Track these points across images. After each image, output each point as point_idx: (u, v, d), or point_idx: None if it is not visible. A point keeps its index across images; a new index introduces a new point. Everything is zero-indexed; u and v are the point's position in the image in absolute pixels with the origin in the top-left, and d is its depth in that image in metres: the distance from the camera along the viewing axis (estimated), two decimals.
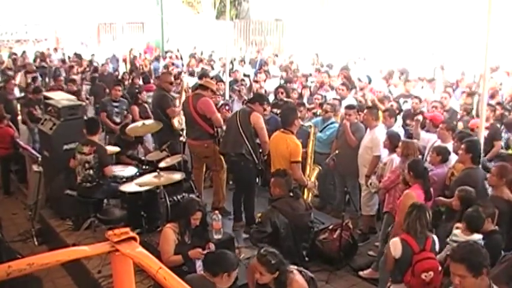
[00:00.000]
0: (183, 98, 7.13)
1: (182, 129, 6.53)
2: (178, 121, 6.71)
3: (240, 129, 5.63)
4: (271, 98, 8.72)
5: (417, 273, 3.62)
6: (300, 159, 5.18)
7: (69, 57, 16.17)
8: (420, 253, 3.69)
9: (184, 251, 3.98)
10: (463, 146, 4.94)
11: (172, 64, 13.98)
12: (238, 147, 5.62)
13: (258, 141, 5.73)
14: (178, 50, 18.21)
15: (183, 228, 4.14)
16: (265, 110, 6.40)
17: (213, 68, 13.42)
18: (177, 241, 4.09)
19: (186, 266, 4.01)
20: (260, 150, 5.75)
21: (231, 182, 6.81)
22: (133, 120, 7.76)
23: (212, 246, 4.12)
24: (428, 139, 5.97)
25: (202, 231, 4.34)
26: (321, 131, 6.66)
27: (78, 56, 15.75)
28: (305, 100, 8.47)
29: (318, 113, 6.81)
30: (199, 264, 4.05)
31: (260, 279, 3.37)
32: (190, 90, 7.56)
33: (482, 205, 3.96)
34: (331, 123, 6.77)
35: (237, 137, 5.65)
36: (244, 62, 14.90)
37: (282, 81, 10.76)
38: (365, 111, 6.33)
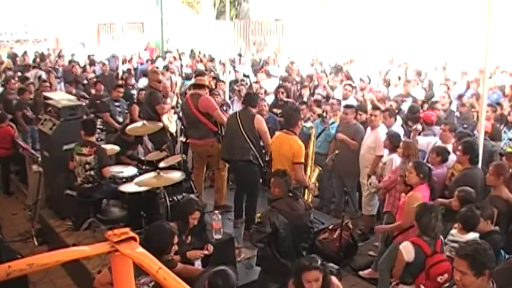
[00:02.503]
0: (174, 99, 7.18)
1: (181, 131, 6.56)
2: (168, 119, 6.72)
3: (245, 134, 5.63)
4: (271, 98, 8.74)
5: (432, 277, 3.57)
6: (302, 160, 5.18)
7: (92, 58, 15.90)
8: (433, 256, 3.65)
9: (183, 251, 3.98)
10: (460, 147, 4.96)
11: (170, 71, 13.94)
12: (246, 154, 5.64)
13: (261, 142, 5.73)
14: (177, 51, 18.22)
15: (182, 228, 4.14)
16: (263, 109, 6.46)
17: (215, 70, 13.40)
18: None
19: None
20: (264, 152, 5.76)
21: (230, 182, 6.82)
22: (132, 120, 7.78)
23: (211, 248, 4.12)
24: (427, 143, 5.96)
25: (200, 231, 4.34)
26: (323, 130, 6.67)
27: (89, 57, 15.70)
28: (304, 100, 8.47)
29: (325, 115, 6.80)
30: (197, 264, 4.05)
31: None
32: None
33: (480, 207, 3.96)
34: (332, 123, 6.79)
35: (242, 143, 5.64)
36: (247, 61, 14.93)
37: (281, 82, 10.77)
38: (370, 111, 6.36)
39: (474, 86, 9.53)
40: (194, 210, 4.15)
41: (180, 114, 7.53)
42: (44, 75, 12.09)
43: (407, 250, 3.71)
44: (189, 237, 4.19)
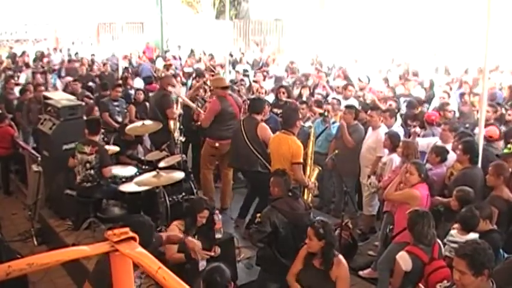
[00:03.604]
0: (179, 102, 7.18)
1: (181, 131, 6.53)
2: (174, 123, 6.71)
3: (250, 145, 5.64)
4: (271, 97, 8.74)
5: (431, 284, 3.55)
6: (301, 160, 5.19)
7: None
8: (431, 263, 3.64)
9: (188, 249, 3.99)
10: (460, 146, 4.96)
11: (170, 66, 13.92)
12: (253, 165, 5.66)
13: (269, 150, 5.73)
14: (179, 47, 18.20)
15: (189, 226, 4.14)
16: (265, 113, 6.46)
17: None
18: None
19: (188, 264, 4.03)
20: None
21: (232, 182, 6.84)
22: (130, 120, 7.79)
23: (218, 250, 4.10)
24: (427, 144, 5.96)
25: (208, 230, 4.34)
26: (324, 130, 6.67)
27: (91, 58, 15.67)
28: (304, 99, 8.47)
29: (326, 114, 6.79)
30: (202, 263, 4.05)
31: (309, 245, 3.64)
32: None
33: (479, 207, 3.96)
34: (333, 123, 6.80)
35: (248, 153, 5.65)
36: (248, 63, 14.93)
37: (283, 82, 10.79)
38: (369, 111, 6.36)
39: (466, 86, 9.52)
40: (203, 209, 4.16)
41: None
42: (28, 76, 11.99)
43: (404, 260, 3.71)
44: (196, 236, 4.18)
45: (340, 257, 3.67)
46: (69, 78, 11.20)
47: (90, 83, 11.23)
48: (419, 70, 11.47)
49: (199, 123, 6.74)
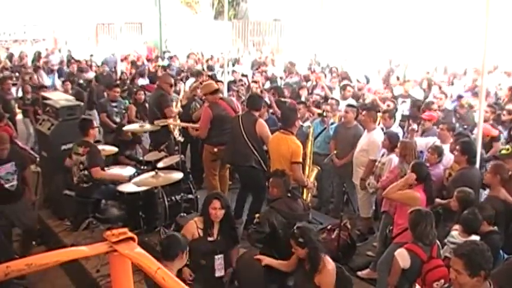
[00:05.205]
0: (181, 101, 7.16)
1: (179, 131, 6.52)
2: (174, 122, 6.70)
3: (247, 140, 5.64)
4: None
5: (429, 283, 3.55)
6: (300, 159, 5.20)
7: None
8: (429, 261, 3.63)
9: (203, 249, 4.05)
10: (458, 147, 4.97)
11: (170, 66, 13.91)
12: (248, 160, 5.65)
13: (265, 147, 5.72)
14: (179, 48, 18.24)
15: (206, 224, 4.13)
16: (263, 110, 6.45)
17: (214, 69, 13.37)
18: (197, 235, 4.10)
19: (203, 260, 4.07)
20: (268, 156, 5.73)
21: (230, 183, 6.83)
22: (130, 120, 7.77)
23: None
24: (426, 143, 5.96)
25: (230, 229, 4.32)
26: (323, 130, 6.67)
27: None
28: (302, 100, 8.48)
29: (324, 114, 6.78)
30: (219, 262, 4.09)
31: (297, 254, 3.71)
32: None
33: (480, 207, 3.96)
34: (332, 124, 6.79)
35: (245, 149, 5.65)
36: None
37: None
38: (363, 112, 6.35)
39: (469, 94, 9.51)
40: (212, 200, 4.13)
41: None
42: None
43: (402, 257, 3.70)
44: (219, 237, 4.18)
45: (327, 260, 3.63)
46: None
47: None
48: (419, 70, 11.50)
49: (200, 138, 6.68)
